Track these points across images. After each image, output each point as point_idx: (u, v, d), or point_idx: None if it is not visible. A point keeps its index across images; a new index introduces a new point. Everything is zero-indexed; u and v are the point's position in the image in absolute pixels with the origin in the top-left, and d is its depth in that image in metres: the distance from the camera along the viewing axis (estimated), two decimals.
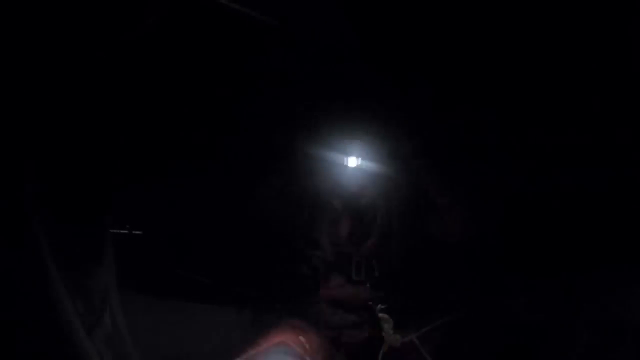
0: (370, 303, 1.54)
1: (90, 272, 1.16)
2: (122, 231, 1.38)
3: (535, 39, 1.35)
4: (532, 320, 1.68)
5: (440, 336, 1.57)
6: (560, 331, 1.65)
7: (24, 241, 1.03)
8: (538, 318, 1.68)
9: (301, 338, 1.48)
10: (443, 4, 1.32)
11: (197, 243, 1.66)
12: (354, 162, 1.58)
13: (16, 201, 1.02)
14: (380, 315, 1.52)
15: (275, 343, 1.44)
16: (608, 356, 1.63)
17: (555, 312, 1.67)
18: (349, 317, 1.56)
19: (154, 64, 1.32)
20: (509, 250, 1.65)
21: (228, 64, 1.47)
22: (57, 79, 1.06)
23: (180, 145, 1.60)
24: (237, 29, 1.35)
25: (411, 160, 1.60)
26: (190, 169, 1.62)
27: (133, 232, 1.58)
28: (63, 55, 1.08)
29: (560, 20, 1.31)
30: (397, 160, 1.59)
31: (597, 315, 1.65)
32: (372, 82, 1.49)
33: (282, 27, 1.34)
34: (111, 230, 1.22)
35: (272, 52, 1.43)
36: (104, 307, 1.16)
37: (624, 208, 1.61)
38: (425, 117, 1.54)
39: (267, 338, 1.47)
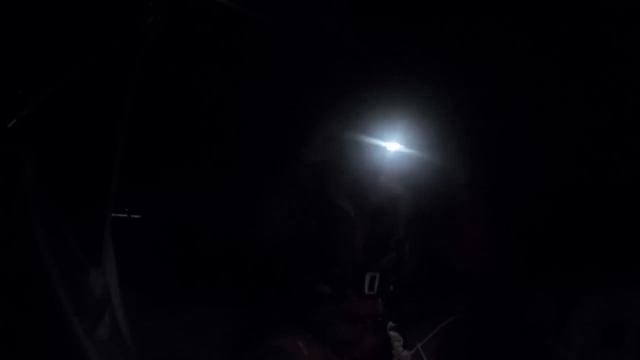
0: (381, 319, 1.48)
1: (91, 272, 1.15)
2: (120, 215, 1.33)
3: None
4: (531, 321, 1.68)
5: (442, 338, 1.55)
6: (560, 331, 1.65)
7: (23, 241, 1.03)
8: (538, 318, 1.68)
9: (300, 343, 1.46)
10: None
11: (201, 245, 1.65)
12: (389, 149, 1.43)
13: (16, 200, 1.01)
14: (391, 333, 1.47)
15: (273, 347, 1.43)
16: (608, 356, 1.63)
17: (555, 312, 1.67)
18: (354, 330, 1.52)
19: (161, 60, 1.33)
20: (510, 250, 1.65)
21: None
22: (58, 75, 1.06)
23: (188, 147, 1.59)
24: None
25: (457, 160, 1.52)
26: (195, 171, 1.61)
27: (131, 216, 1.55)
28: (64, 51, 1.08)
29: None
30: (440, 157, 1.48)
31: (596, 315, 1.65)
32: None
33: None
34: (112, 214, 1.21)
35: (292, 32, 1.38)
36: (104, 307, 1.15)
37: (624, 208, 1.62)
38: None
39: (265, 342, 1.46)
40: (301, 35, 1.44)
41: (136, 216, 1.59)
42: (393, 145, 1.42)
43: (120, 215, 1.50)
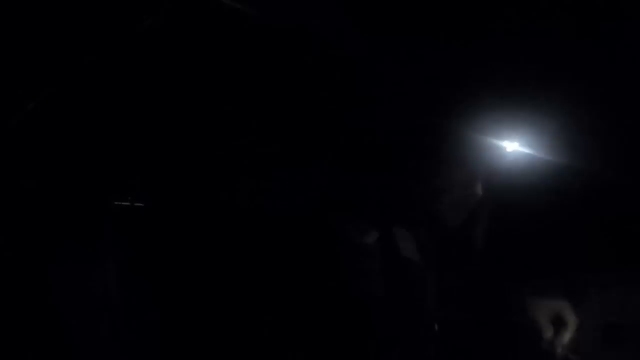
0: None
1: (91, 271, 1.16)
2: (124, 203, 1.29)
3: None
4: (531, 321, 1.68)
5: (441, 338, 1.53)
6: (560, 331, 1.65)
7: (23, 241, 1.03)
8: (538, 319, 1.68)
9: None
10: None
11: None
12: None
13: (16, 200, 1.02)
14: None
15: None
16: (608, 356, 1.63)
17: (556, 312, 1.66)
18: None
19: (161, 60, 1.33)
20: (510, 250, 1.65)
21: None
22: (59, 75, 1.06)
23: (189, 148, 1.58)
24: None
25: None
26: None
27: (135, 204, 1.52)
28: (65, 51, 1.08)
29: None
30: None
31: (596, 315, 1.65)
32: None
33: None
34: (114, 203, 1.19)
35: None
36: (104, 307, 1.16)
37: (624, 209, 1.61)
38: None
39: None
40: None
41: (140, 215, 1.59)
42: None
43: (120, 215, 1.51)
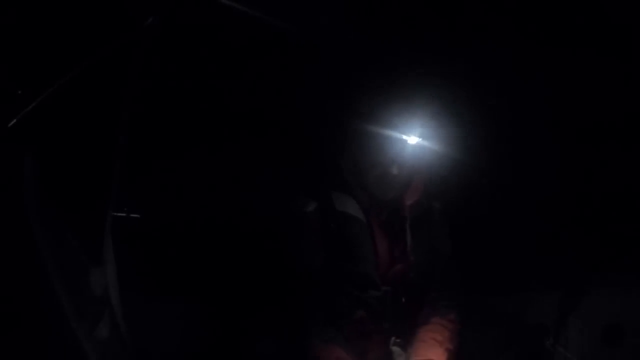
0: (386, 334, 1.42)
1: (91, 272, 1.15)
2: (119, 214, 1.31)
3: None
4: (531, 321, 1.68)
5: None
6: (560, 332, 1.65)
7: (23, 241, 1.03)
8: (538, 319, 1.68)
9: None
10: None
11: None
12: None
13: (16, 200, 1.01)
14: (394, 348, 1.42)
15: None
16: (607, 356, 1.63)
17: (555, 312, 1.67)
18: (359, 346, 1.39)
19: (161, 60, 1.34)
20: (510, 251, 1.66)
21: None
22: (59, 75, 1.05)
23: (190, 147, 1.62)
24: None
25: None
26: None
27: (131, 215, 1.56)
28: (65, 51, 1.08)
29: None
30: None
31: (596, 316, 1.65)
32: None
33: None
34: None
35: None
36: (104, 307, 1.15)
37: (624, 211, 1.62)
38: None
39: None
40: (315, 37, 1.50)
41: (136, 216, 1.59)
42: (409, 139, 1.46)
43: (119, 215, 1.51)
